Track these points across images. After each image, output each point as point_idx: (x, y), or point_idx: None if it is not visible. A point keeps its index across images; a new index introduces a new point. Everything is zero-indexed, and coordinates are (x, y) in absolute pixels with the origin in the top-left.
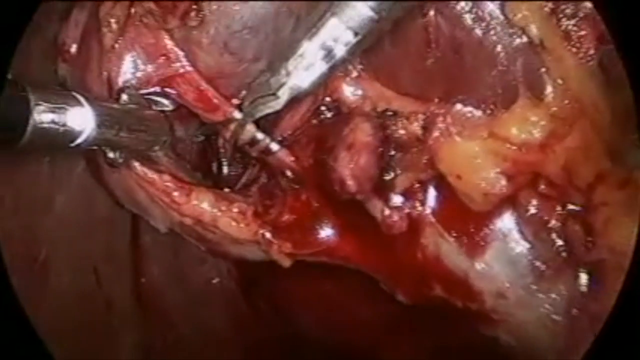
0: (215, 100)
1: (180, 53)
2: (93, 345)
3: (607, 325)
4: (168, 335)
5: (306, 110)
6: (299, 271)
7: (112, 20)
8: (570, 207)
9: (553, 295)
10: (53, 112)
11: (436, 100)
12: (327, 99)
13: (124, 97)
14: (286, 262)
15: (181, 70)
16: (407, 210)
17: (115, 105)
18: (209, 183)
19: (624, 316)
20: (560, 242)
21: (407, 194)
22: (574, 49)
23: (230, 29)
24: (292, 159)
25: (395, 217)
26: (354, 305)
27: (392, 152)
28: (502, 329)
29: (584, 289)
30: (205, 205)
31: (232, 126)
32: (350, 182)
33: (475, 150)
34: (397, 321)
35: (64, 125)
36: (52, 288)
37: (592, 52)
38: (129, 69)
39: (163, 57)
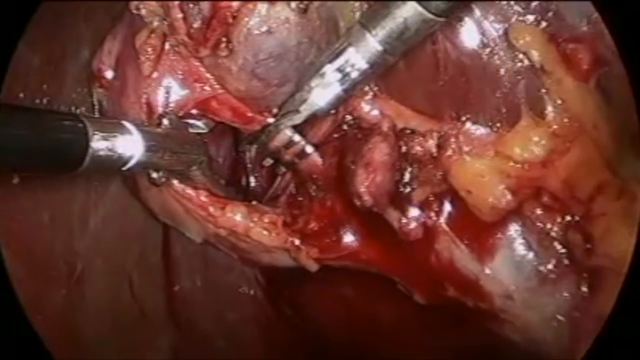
0: (249, 114)
1: (211, 78)
2: (127, 353)
3: (606, 328)
4: (198, 342)
5: (329, 126)
6: (322, 277)
7: (149, 50)
8: (572, 217)
9: (557, 297)
10: (107, 140)
11: (448, 119)
12: (348, 116)
13: (165, 121)
14: (313, 267)
15: (214, 93)
16: (422, 220)
17: (159, 131)
18: (241, 197)
19: (624, 319)
20: (562, 249)
21: (423, 205)
22: (572, 72)
23: (257, 58)
24: (322, 162)
25: (412, 226)
26: (374, 309)
27: (410, 168)
28: (509, 328)
29: (585, 292)
30: (238, 218)
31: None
32: (366, 198)
33: (482, 169)
34: (414, 322)
35: (116, 152)
36: (89, 299)
37: (589, 74)
38: (166, 94)
39: (196, 82)
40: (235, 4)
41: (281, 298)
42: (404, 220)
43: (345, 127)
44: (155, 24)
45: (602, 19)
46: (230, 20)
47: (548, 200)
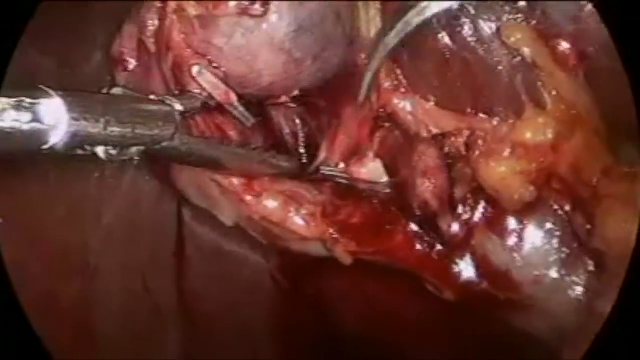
0: None
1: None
2: (139, 347)
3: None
4: (209, 338)
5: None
6: (343, 272)
7: (149, 25)
8: (579, 199)
9: (576, 278)
10: (15, 109)
11: (469, 114)
12: (382, 110)
13: (116, 90)
14: (348, 260)
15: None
16: (466, 219)
17: (99, 96)
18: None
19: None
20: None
21: (464, 204)
22: (562, 67)
23: (290, 28)
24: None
25: (456, 227)
26: (394, 303)
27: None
28: (536, 316)
29: (593, 271)
30: (274, 207)
31: None
32: (433, 202)
33: (505, 172)
34: (437, 318)
35: (30, 122)
36: (103, 293)
37: (577, 68)
38: None
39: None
40: None
41: (297, 294)
42: (454, 224)
43: (385, 124)
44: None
45: (601, 18)
46: None
47: (558, 185)
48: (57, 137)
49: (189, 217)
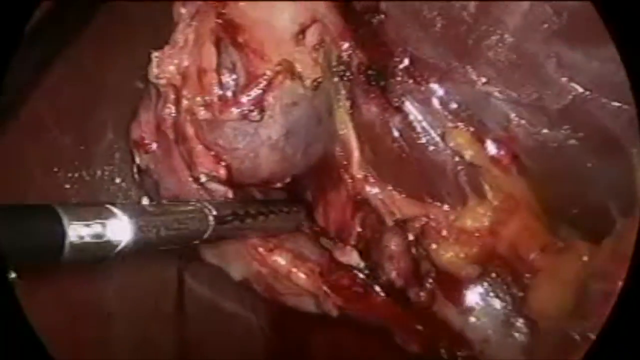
0: None
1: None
2: None
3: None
4: None
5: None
6: (323, 326)
7: (168, 119)
8: (516, 272)
9: (514, 339)
10: (88, 227)
11: (427, 202)
12: (358, 196)
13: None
14: (335, 313)
15: None
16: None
17: (152, 209)
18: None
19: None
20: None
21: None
22: (497, 165)
23: (283, 130)
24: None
25: (423, 296)
26: (367, 355)
27: None
28: None
29: (527, 334)
30: (283, 262)
31: None
32: (398, 281)
33: (452, 256)
34: None
35: (99, 238)
36: (113, 337)
37: (509, 167)
38: None
39: None
40: (269, 73)
41: (283, 345)
42: (421, 293)
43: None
44: (172, 96)
45: (602, 20)
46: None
47: (498, 262)
48: (122, 246)
49: (189, 276)
